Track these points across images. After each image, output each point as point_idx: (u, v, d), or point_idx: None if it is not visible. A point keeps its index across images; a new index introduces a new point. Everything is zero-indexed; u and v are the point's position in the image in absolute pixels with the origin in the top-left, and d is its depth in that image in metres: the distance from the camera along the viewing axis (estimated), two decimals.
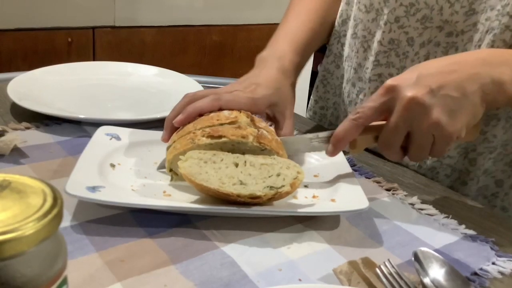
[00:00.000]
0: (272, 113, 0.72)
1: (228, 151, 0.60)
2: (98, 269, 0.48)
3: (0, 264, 0.28)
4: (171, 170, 0.62)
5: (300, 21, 0.83)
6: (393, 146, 0.60)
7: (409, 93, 0.56)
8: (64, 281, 0.32)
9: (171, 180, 0.62)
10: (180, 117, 0.63)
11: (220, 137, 0.59)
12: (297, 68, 0.79)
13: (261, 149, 0.61)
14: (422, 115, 0.56)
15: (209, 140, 0.59)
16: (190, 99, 0.66)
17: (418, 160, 0.61)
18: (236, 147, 0.60)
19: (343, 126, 0.61)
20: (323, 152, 0.71)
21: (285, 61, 0.76)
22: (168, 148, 0.64)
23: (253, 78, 0.72)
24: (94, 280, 0.46)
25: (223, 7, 1.90)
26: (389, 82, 0.58)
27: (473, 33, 0.70)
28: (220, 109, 0.65)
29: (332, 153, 0.63)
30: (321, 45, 0.93)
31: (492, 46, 0.68)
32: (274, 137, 0.63)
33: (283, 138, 0.66)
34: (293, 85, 0.76)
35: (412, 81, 0.57)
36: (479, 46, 0.69)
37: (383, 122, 0.60)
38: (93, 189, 0.55)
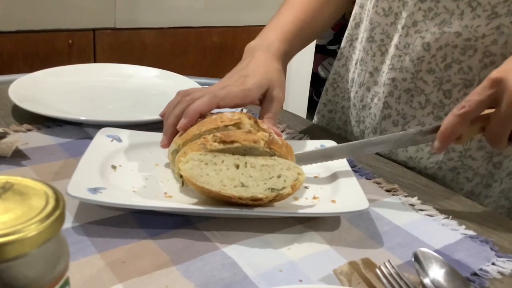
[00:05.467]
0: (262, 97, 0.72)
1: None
2: (99, 270, 0.48)
3: (2, 265, 0.28)
4: (181, 175, 0.61)
5: (291, 13, 0.83)
6: (503, 137, 0.59)
7: None
8: (66, 282, 0.32)
9: (182, 185, 0.62)
10: (183, 121, 0.63)
11: (232, 142, 0.59)
12: (285, 56, 0.79)
13: (270, 154, 0.61)
14: None
15: (221, 146, 0.59)
16: (187, 103, 0.65)
17: None
18: (248, 152, 0.60)
19: (449, 122, 0.59)
20: None
21: (272, 49, 0.76)
22: (172, 152, 0.63)
23: (242, 71, 0.72)
24: (95, 281, 0.46)
25: (224, 9, 1.90)
26: (495, 74, 0.57)
27: (497, 36, 0.70)
28: (218, 106, 0.65)
29: (439, 149, 0.61)
30: (316, 39, 0.93)
31: None
32: (284, 143, 0.63)
33: (388, 136, 0.65)
34: (280, 71, 0.75)
35: None
36: (506, 48, 0.70)
37: (490, 111, 0.59)
38: (95, 190, 0.55)
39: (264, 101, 0.72)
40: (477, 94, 0.58)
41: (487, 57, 0.71)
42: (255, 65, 0.72)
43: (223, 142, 0.59)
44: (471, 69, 0.72)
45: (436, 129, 0.61)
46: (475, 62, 0.72)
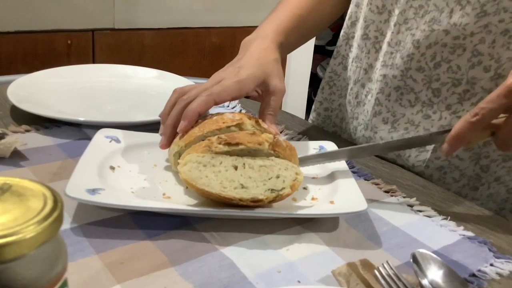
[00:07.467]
0: (260, 89, 0.71)
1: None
2: (98, 271, 0.48)
3: (0, 266, 0.28)
4: None
5: (287, 9, 0.83)
6: None
7: None
8: (65, 283, 0.32)
9: (187, 187, 0.62)
10: (183, 124, 0.63)
11: (237, 144, 0.59)
12: (281, 47, 0.78)
13: (274, 156, 0.60)
14: None
15: (226, 148, 0.59)
16: (184, 102, 0.65)
17: None
18: (253, 154, 0.60)
19: (461, 128, 0.59)
20: None
21: (267, 40, 0.76)
22: (173, 154, 0.63)
23: (236, 63, 0.72)
24: (94, 282, 0.46)
25: (222, 9, 1.90)
26: None
27: (485, 34, 0.70)
28: (215, 103, 0.65)
29: (448, 153, 0.61)
30: (313, 36, 0.93)
31: (508, 48, 0.69)
32: (288, 145, 0.63)
33: (401, 139, 0.66)
34: (276, 61, 0.74)
35: None
36: (493, 48, 0.70)
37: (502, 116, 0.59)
38: (93, 191, 0.55)
39: (263, 95, 0.71)
40: (491, 102, 0.58)
41: (475, 56, 0.71)
42: (249, 57, 0.72)
43: (228, 144, 0.59)
44: (460, 68, 0.72)
45: (442, 133, 0.62)
46: (464, 61, 0.72)
